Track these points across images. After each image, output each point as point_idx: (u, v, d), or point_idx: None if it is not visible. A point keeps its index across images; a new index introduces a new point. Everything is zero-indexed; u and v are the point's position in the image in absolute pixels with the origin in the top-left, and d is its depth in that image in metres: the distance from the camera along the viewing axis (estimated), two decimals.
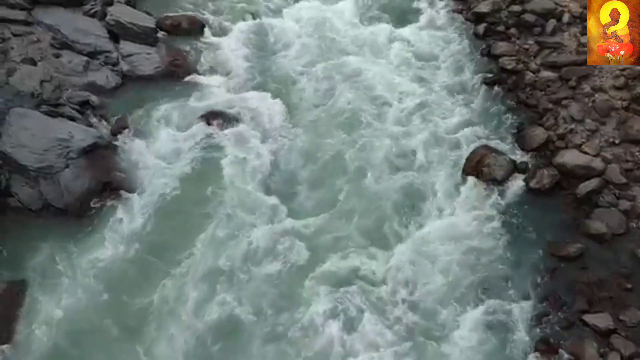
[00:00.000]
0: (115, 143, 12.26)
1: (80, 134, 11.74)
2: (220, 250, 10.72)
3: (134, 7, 15.26)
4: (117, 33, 14.33)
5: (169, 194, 11.57)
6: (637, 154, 11.64)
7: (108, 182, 11.49)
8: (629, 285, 10.16)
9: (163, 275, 10.37)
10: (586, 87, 12.85)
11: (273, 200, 11.66)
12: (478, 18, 15.67)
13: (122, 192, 11.47)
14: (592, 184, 11.44)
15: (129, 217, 11.12)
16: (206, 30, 15.40)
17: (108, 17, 14.42)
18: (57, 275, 10.18)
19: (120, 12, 14.63)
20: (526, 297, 10.27)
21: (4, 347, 9.30)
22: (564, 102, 12.82)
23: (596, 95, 12.61)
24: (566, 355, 9.47)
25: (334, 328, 9.78)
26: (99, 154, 11.80)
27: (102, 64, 13.70)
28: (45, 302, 9.86)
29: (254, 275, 10.42)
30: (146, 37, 14.47)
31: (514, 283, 10.48)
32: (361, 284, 10.42)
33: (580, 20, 13.92)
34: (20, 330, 9.54)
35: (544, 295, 10.23)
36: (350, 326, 9.85)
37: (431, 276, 10.53)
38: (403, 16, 16.24)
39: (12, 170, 11.08)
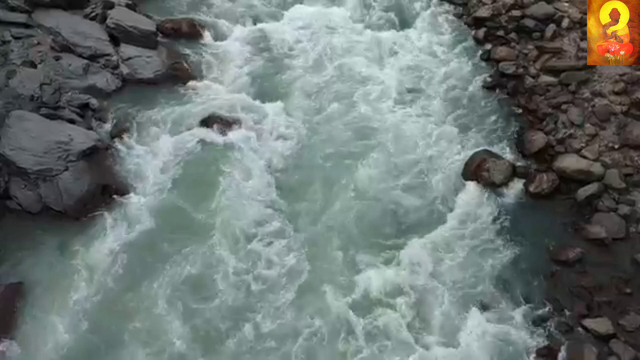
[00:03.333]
0: (115, 146, 12.25)
1: (79, 137, 11.73)
2: (219, 256, 10.70)
3: (134, 10, 15.25)
4: (117, 36, 14.33)
5: (167, 198, 11.56)
6: (636, 158, 11.65)
7: (107, 185, 11.47)
8: (629, 290, 10.17)
9: (161, 279, 10.34)
10: (586, 92, 12.87)
11: (273, 206, 11.65)
12: (478, 23, 15.70)
13: (121, 195, 11.46)
14: (591, 188, 11.45)
15: (128, 220, 11.11)
16: (206, 34, 15.40)
17: (109, 20, 14.41)
18: (55, 278, 10.16)
19: (120, 16, 14.63)
20: (526, 302, 10.27)
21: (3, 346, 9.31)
22: (564, 106, 12.84)
23: (596, 100, 12.63)
24: None
25: (331, 335, 9.81)
26: (99, 156, 11.80)
27: (102, 67, 13.68)
28: (43, 304, 9.84)
29: (252, 286, 10.37)
30: (146, 41, 14.45)
31: (513, 287, 10.48)
32: (360, 291, 10.39)
33: (579, 25, 13.95)
34: (18, 332, 9.51)
35: (543, 300, 10.25)
36: (348, 333, 9.86)
37: (431, 281, 10.52)
38: (403, 21, 16.24)
39: (11, 172, 11.07)
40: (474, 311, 10.13)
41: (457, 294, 10.39)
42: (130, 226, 11.05)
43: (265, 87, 14.22)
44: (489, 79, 14.32)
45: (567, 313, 10.03)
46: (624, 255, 10.69)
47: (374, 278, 10.54)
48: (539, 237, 11.18)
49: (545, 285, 10.48)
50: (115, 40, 14.29)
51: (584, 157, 11.92)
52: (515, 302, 10.28)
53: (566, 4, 14.57)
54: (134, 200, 11.46)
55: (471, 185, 11.99)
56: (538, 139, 12.50)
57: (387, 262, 10.79)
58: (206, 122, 12.94)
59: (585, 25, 13.55)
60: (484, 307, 10.19)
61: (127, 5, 15.25)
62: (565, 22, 14.18)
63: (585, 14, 13.71)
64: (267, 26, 15.86)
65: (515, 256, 10.93)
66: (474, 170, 12.09)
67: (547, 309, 10.12)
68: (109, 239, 10.80)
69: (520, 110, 13.46)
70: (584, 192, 11.47)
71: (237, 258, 10.70)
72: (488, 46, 15.05)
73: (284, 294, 10.30)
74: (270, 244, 10.97)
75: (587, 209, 11.38)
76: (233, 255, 10.72)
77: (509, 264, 10.81)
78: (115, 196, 11.45)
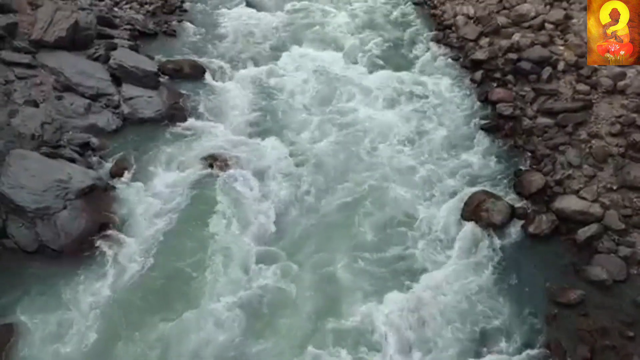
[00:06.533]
0: (114, 185, 12.25)
1: (79, 176, 11.75)
2: (216, 296, 10.54)
3: (137, 51, 15.57)
4: (119, 76, 14.55)
5: (166, 237, 11.46)
6: (635, 200, 11.65)
7: (105, 224, 11.42)
8: (631, 334, 9.99)
9: (158, 319, 10.17)
10: (582, 134, 12.98)
11: (271, 246, 11.54)
12: (475, 65, 15.97)
13: (119, 234, 11.36)
14: (591, 229, 11.41)
15: (125, 260, 10.98)
16: (207, 74, 15.66)
17: (111, 61, 14.66)
18: (50, 318, 9.96)
19: (123, 56, 14.90)
20: (527, 345, 10.06)
21: None
22: (561, 147, 12.93)
23: (593, 142, 12.72)
24: None
25: None
26: (97, 195, 11.78)
27: (104, 106, 13.85)
28: (37, 345, 9.63)
29: (248, 328, 10.18)
30: (148, 81, 14.67)
31: (514, 330, 10.29)
32: (356, 335, 10.17)
33: (575, 68, 14.19)
34: None
35: (545, 343, 10.04)
36: None
37: (429, 325, 10.33)
38: (401, 63, 16.51)
39: (9, 211, 11.03)
40: (473, 355, 9.91)
41: (454, 336, 10.17)
42: (128, 266, 10.89)
43: (265, 128, 14.34)
44: (486, 121, 14.46)
45: (570, 357, 9.83)
46: (625, 297, 10.56)
47: (367, 323, 10.31)
48: (539, 278, 11.06)
49: (546, 328, 10.31)
50: (117, 81, 14.52)
51: (583, 198, 11.92)
52: (516, 345, 10.07)
53: (561, 47, 14.84)
54: (132, 239, 11.35)
55: (470, 226, 11.92)
56: (536, 179, 12.53)
57: (384, 304, 10.58)
58: (206, 161, 12.98)
59: (581, 68, 13.92)
60: (483, 351, 9.98)
61: (130, 47, 15.58)
62: (561, 65, 14.41)
63: (581, 57, 14.02)
64: (266, 68, 16.15)
65: (515, 298, 10.78)
66: (472, 210, 12.07)
67: (549, 352, 9.91)
68: (106, 279, 10.64)
69: (518, 151, 13.56)
70: (584, 233, 11.42)
71: (236, 300, 10.53)
72: (485, 88, 15.26)
73: (275, 342, 10.09)
74: (266, 285, 10.80)
75: (587, 250, 11.30)
76: (232, 296, 10.55)
77: (509, 305, 10.66)
78: (113, 235, 11.34)
